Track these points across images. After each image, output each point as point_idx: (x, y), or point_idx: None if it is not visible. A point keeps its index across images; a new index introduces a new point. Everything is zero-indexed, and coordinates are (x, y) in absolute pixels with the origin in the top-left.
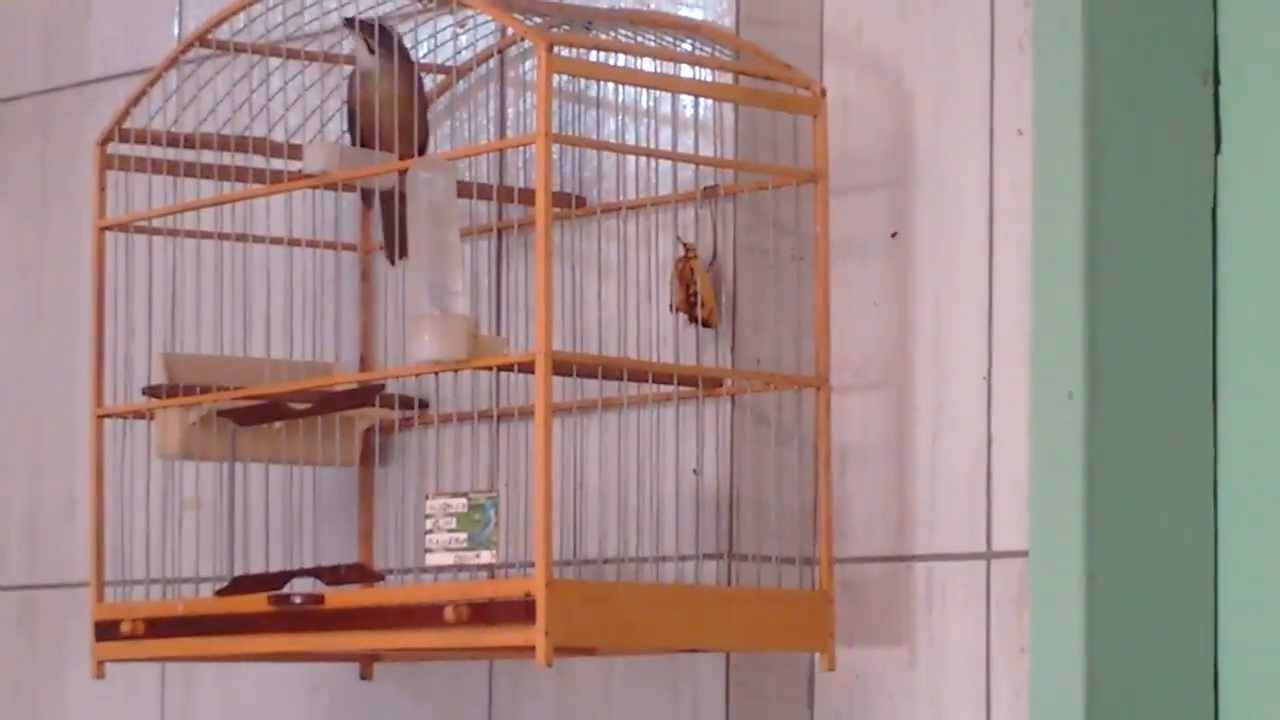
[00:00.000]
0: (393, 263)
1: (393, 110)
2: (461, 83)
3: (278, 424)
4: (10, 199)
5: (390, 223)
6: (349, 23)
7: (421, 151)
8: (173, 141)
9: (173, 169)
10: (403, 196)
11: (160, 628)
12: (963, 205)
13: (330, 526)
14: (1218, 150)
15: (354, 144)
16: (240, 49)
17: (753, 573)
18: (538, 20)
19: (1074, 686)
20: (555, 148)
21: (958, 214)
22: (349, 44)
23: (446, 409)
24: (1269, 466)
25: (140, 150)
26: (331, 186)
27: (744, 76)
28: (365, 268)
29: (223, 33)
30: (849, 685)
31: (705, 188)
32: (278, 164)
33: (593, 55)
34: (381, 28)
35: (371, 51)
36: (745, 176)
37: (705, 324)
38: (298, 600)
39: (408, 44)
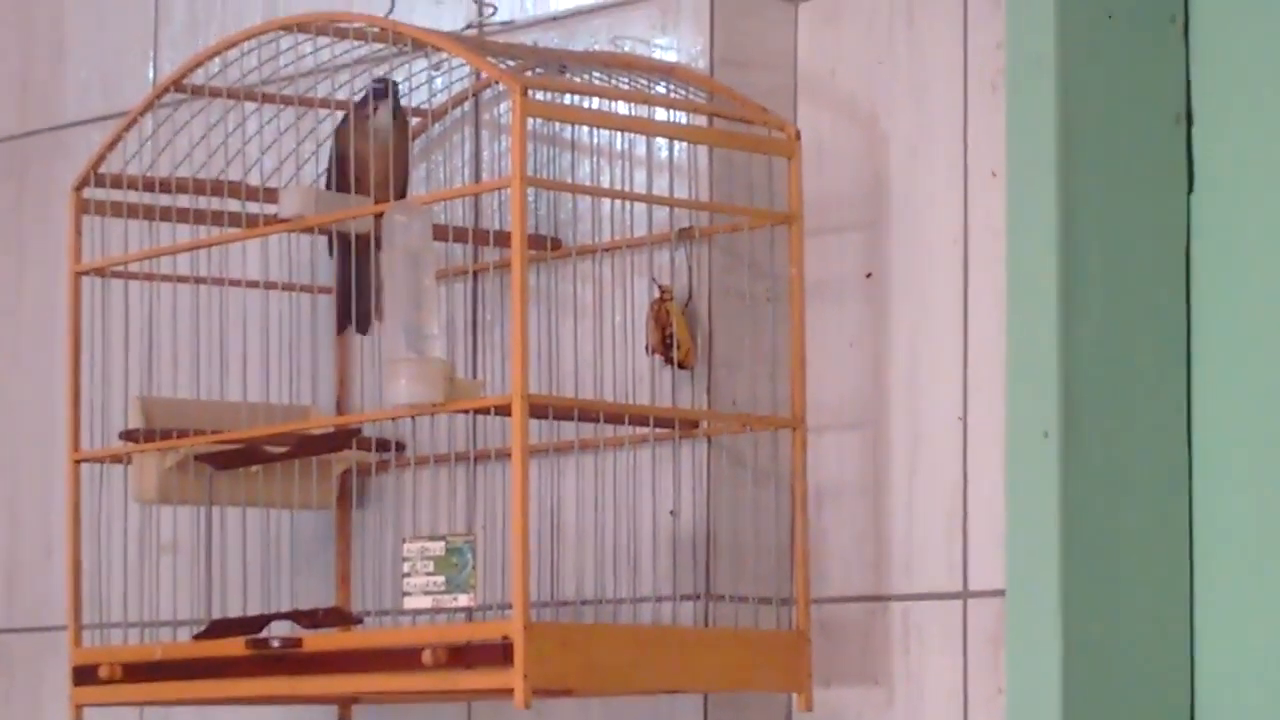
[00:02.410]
0: (364, 331)
1: (387, 163)
2: (436, 125)
3: (255, 467)
4: None
5: (365, 289)
6: (380, 83)
7: (400, 196)
8: (148, 186)
9: (148, 213)
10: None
11: (138, 672)
12: (937, 246)
13: (308, 570)
14: (1190, 190)
15: (330, 188)
16: (215, 93)
17: (730, 613)
18: (512, 64)
19: None
20: (530, 190)
21: (932, 255)
22: (324, 88)
23: (423, 451)
24: (1244, 504)
25: (116, 195)
26: (308, 230)
27: (718, 119)
28: None
29: (198, 77)
30: None
31: (680, 230)
32: (253, 208)
33: (567, 98)
34: (393, 85)
35: (395, 115)
36: (720, 218)
37: (681, 365)
38: (275, 644)
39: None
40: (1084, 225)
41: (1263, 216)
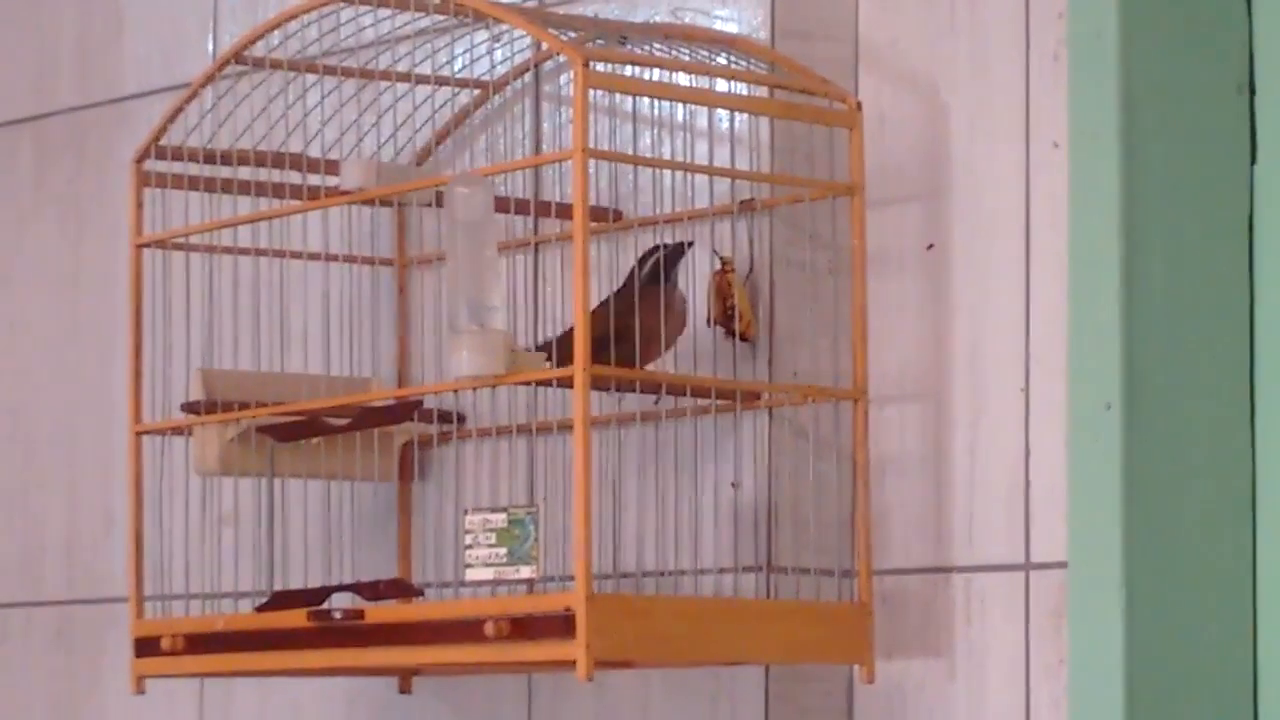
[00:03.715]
0: None
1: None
2: (497, 97)
3: (316, 440)
4: (46, 216)
5: None
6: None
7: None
8: (209, 158)
9: (209, 185)
10: None
11: (200, 643)
12: (999, 217)
13: (369, 542)
14: (1253, 160)
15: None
16: (276, 65)
17: (792, 585)
18: (573, 35)
19: (1113, 697)
20: (591, 162)
21: (994, 226)
22: (385, 60)
23: (484, 423)
24: None
25: (177, 167)
26: (369, 202)
27: (779, 90)
28: (402, 283)
29: (258, 49)
30: (889, 697)
31: (742, 201)
32: (314, 180)
33: (628, 70)
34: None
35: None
36: (781, 190)
37: (743, 337)
38: (337, 616)
39: (442, 59)
40: (1146, 196)
41: None
